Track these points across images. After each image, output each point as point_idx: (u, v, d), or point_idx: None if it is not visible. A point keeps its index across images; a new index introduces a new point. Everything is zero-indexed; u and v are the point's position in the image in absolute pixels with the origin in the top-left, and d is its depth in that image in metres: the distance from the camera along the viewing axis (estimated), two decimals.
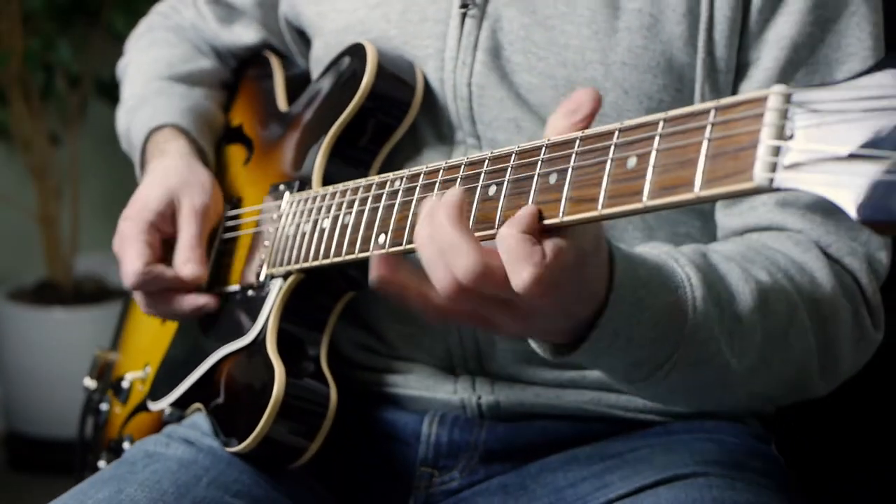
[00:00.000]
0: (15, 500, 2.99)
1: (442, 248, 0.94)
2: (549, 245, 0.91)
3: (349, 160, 1.30)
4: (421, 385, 1.30)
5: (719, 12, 1.19)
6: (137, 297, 1.36)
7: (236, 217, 1.39)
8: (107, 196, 3.23)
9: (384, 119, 1.29)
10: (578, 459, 1.26)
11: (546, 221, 0.92)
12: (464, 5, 1.26)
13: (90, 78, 3.14)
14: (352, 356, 1.34)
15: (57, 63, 3.11)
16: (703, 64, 1.19)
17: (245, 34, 1.52)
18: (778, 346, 1.13)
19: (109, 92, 3.03)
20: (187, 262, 1.33)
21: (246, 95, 1.54)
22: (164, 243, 1.36)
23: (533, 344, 1.05)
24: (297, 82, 1.46)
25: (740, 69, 1.21)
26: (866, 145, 0.72)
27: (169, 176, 1.37)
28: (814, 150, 0.75)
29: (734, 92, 1.22)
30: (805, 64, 1.20)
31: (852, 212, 0.72)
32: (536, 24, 1.23)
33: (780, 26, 1.19)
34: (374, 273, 0.96)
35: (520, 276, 0.91)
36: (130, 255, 1.32)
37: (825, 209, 1.19)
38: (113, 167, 2.81)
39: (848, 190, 0.73)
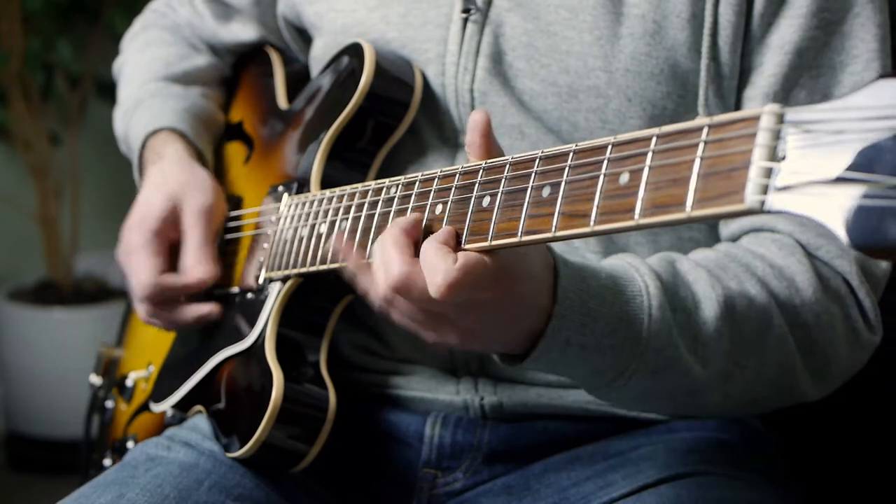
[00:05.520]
0: (15, 500, 2.99)
1: (382, 259, 0.99)
2: (462, 255, 0.94)
3: (348, 161, 1.29)
4: (423, 386, 1.30)
5: (723, 17, 1.18)
6: (141, 307, 1.35)
7: (236, 218, 1.39)
8: (107, 196, 3.23)
9: (383, 119, 1.28)
10: (581, 459, 1.26)
11: (537, 236, 0.92)
12: (465, 10, 1.25)
13: (90, 78, 3.14)
14: (353, 359, 1.33)
15: (57, 63, 3.11)
16: (707, 70, 1.18)
17: (242, 32, 1.51)
18: (752, 351, 1.12)
19: (109, 92, 3.00)
20: (197, 264, 1.32)
21: (246, 91, 1.53)
22: (169, 249, 1.35)
23: (493, 355, 1.07)
24: (298, 79, 1.46)
25: (743, 74, 1.20)
26: (853, 168, 0.71)
27: (168, 180, 1.36)
28: (804, 172, 0.73)
29: (738, 98, 1.21)
30: (809, 68, 1.18)
31: (843, 236, 0.70)
32: (539, 31, 1.22)
33: (784, 30, 1.18)
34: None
35: (433, 281, 0.94)
36: (138, 267, 1.32)
37: None
38: (113, 167, 2.81)
39: (836, 214, 0.71)
